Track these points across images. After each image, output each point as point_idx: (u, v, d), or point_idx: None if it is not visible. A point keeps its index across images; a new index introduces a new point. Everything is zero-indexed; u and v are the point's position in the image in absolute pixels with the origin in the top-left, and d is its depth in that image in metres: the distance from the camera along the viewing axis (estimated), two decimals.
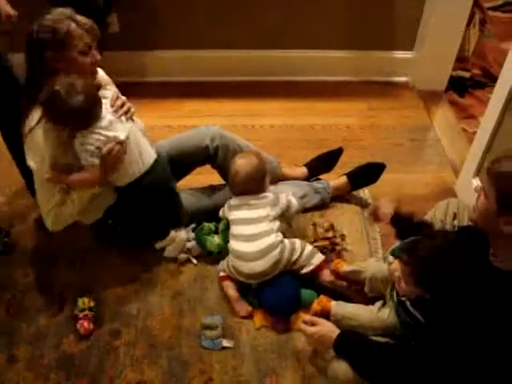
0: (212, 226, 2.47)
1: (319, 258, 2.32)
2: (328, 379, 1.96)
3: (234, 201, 2.34)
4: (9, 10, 2.41)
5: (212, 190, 2.56)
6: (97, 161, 2.08)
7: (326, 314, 2.11)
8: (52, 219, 2.22)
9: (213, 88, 3.59)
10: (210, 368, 2.09)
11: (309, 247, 2.33)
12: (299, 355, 2.13)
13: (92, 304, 2.24)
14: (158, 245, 2.45)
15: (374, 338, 1.91)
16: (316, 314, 2.10)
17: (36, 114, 2.07)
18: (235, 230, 2.30)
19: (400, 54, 3.62)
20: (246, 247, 2.24)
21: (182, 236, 2.44)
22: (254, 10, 3.38)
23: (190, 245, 2.46)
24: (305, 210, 2.64)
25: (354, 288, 2.29)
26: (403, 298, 1.96)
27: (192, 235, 2.47)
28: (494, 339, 1.56)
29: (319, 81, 3.68)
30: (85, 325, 2.18)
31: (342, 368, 1.81)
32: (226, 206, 2.36)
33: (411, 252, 1.79)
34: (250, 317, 2.26)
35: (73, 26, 2.03)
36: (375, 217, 2.26)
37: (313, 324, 1.97)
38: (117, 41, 3.35)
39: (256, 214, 2.28)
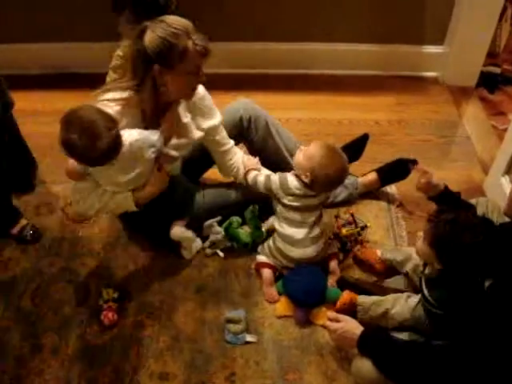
0: (239, 218, 2.45)
1: (333, 248, 2.40)
2: (351, 376, 1.96)
3: (299, 190, 2.22)
4: None
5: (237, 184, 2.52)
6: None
7: (351, 310, 2.10)
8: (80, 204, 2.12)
9: (239, 81, 3.57)
10: (233, 362, 2.09)
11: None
12: (322, 351, 2.12)
13: (116, 295, 2.25)
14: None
15: (399, 336, 1.90)
16: (340, 311, 2.09)
17: None
18: (290, 215, 2.26)
19: (430, 49, 3.57)
20: (300, 233, 2.25)
21: (188, 235, 2.36)
22: (282, 2, 3.38)
23: (216, 238, 2.44)
24: (332, 205, 2.62)
25: (378, 283, 2.29)
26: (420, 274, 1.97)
27: (219, 229, 2.44)
28: None
29: (347, 75, 3.65)
30: (109, 316, 2.19)
31: (365, 365, 1.81)
32: (281, 186, 2.26)
33: (439, 211, 1.79)
34: (273, 307, 2.28)
35: (190, 44, 1.89)
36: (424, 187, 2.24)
37: (337, 321, 1.96)
38: None
39: (317, 201, 2.28)
